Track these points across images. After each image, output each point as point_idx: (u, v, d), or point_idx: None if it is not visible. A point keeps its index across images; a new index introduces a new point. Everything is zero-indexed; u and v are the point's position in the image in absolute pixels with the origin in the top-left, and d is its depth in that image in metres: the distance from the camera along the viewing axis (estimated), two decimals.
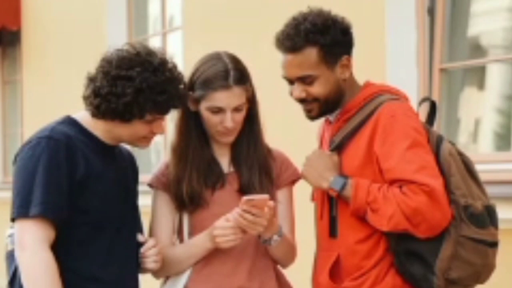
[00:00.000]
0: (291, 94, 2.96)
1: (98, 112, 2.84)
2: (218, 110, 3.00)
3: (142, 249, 2.95)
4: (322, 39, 2.87)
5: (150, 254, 2.96)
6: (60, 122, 2.90)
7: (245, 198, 2.85)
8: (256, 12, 6.10)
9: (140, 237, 2.97)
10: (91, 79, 2.86)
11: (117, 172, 2.93)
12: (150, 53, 2.85)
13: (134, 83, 2.78)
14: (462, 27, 4.91)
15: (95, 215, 2.83)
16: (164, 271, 3.07)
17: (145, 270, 3.00)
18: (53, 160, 2.77)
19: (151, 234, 3.10)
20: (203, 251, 3.02)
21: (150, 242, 2.97)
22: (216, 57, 3.04)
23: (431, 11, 4.82)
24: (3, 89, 11.19)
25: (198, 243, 3.03)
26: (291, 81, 2.94)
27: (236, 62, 3.04)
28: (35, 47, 9.73)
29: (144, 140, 2.93)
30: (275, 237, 2.99)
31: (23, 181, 2.78)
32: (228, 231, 2.93)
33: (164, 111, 2.87)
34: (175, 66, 2.88)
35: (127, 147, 3.08)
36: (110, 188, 2.87)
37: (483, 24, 4.96)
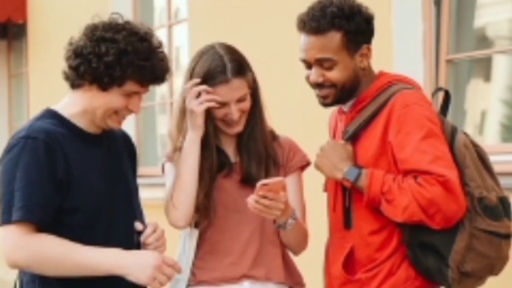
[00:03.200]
0: (307, 78, 2.94)
1: (77, 75, 2.75)
2: (222, 105, 3.00)
3: (141, 238, 2.89)
4: (347, 25, 2.87)
5: (150, 241, 2.89)
6: (39, 117, 2.81)
7: (260, 183, 2.84)
8: (262, 3, 6.10)
9: (138, 226, 2.89)
10: (73, 42, 2.78)
11: (105, 160, 2.85)
12: (137, 24, 2.81)
13: (119, 45, 2.72)
14: (469, 18, 4.90)
15: (85, 213, 2.75)
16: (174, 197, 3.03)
17: None
18: (32, 160, 2.69)
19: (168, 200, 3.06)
20: (190, 142, 3.01)
21: (149, 230, 2.89)
22: (210, 51, 3.03)
23: (437, 2, 4.81)
24: (9, 83, 11.21)
25: (184, 144, 3.03)
26: (309, 65, 2.93)
27: (232, 53, 3.03)
28: (41, 40, 9.73)
29: (115, 117, 2.81)
30: (290, 220, 2.98)
31: (4, 187, 2.71)
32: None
33: (145, 81, 2.77)
34: (160, 43, 2.82)
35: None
36: (97, 180, 2.79)
37: (489, 15, 4.95)
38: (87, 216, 2.76)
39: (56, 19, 9.31)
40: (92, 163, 2.80)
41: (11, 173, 2.70)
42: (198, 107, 2.98)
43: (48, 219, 2.71)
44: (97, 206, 2.78)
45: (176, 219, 3.04)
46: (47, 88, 9.25)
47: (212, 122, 3.06)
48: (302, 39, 2.92)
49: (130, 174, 2.97)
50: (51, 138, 2.73)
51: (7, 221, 2.68)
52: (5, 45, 11.15)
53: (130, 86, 2.75)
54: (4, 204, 2.70)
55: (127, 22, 2.79)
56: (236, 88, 2.99)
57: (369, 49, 2.93)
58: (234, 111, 3.00)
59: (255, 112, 3.09)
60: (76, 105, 2.82)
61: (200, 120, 3.00)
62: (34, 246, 2.66)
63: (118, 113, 2.81)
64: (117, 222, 2.84)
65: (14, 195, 2.68)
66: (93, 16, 2.81)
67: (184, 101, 3.05)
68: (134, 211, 2.93)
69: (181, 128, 3.09)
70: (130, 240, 2.89)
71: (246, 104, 3.04)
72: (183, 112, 3.07)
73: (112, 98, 2.76)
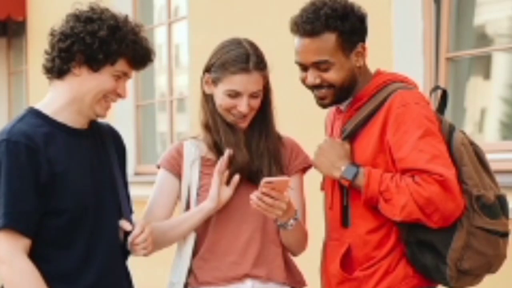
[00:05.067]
0: (302, 81, 2.94)
1: (67, 58, 2.75)
2: (235, 94, 3.01)
3: (129, 238, 2.87)
4: (341, 25, 2.86)
5: (138, 241, 2.87)
6: (21, 118, 2.79)
7: (264, 180, 2.83)
8: (262, 1, 6.09)
9: (126, 225, 2.88)
10: (56, 30, 2.79)
11: (91, 154, 2.83)
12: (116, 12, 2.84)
13: (109, 22, 2.74)
14: (469, 16, 4.90)
15: (70, 214, 2.73)
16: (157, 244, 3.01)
17: (137, 255, 2.94)
18: (14, 165, 2.67)
19: (147, 210, 3.06)
20: (199, 208, 3.03)
21: (137, 230, 2.87)
22: (236, 42, 3.06)
23: (437, 0, 4.81)
24: (9, 80, 11.22)
25: (200, 208, 3.03)
26: (304, 67, 2.92)
27: (256, 48, 3.06)
28: (40, 37, 9.70)
29: (103, 103, 2.79)
30: (292, 221, 2.98)
31: None
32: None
33: (137, 58, 2.79)
34: (141, 25, 2.86)
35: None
36: (83, 178, 2.77)
37: (489, 13, 4.95)
38: (73, 217, 2.75)
39: (55, 16, 9.28)
40: (78, 160, 2.79)
41: None
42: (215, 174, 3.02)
43: (34, 225, 2.69)
44: (83, 206, 2.77)
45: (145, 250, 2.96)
46: (47, 86, 9.25)
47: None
48: (297, 42, 2.91)
49: (116, 168, 2.94)
50: (33, 142, 2.71)
51: None
52: (4, 42, 11.16)
53: (121, 66, 2.77)
54: None
55: (107, 8, 2.82)
56: (254, 81, 3.01)
57: (364, 48, 2.93)
58: (245, 104, 3.00)
59: (266, 110, 3.10)
60: (60, 98, 2.81)
61: (214, 190, 3.01)
62: (18, 276, 2.64)
63: (107, 98, 2.80)
64: (103, 220, 2.82)
65: None
66: (73, 3, 2.84)
67: (203, 90, 3.09)
68: (119, 206, 2.90)
69: (206, 108, 3.10)
70: (116, 238, 2.87)
71: (257, 102, 3.04)
72: (204, 95, 3.09)
73: (103, 79, 2.76)
